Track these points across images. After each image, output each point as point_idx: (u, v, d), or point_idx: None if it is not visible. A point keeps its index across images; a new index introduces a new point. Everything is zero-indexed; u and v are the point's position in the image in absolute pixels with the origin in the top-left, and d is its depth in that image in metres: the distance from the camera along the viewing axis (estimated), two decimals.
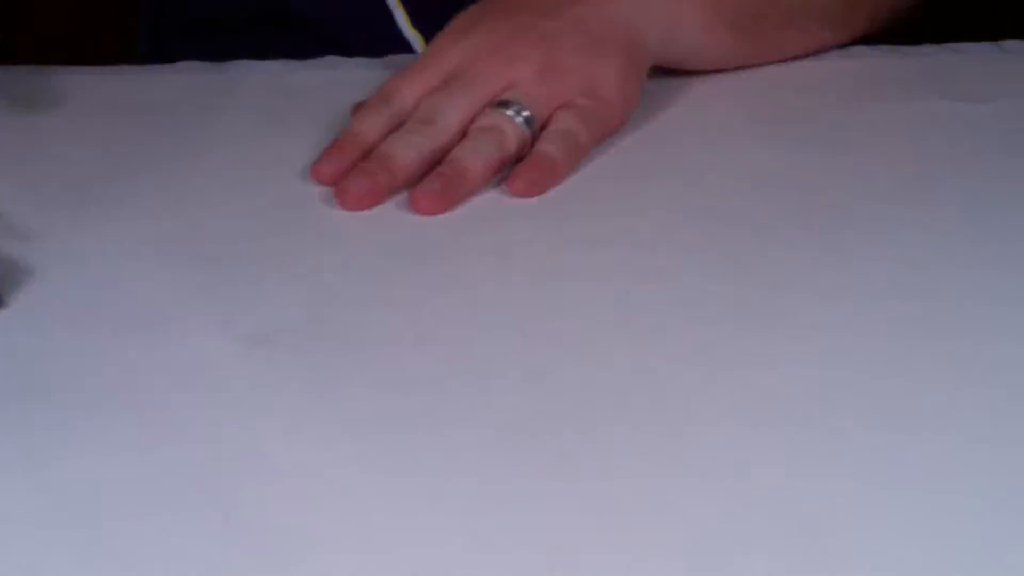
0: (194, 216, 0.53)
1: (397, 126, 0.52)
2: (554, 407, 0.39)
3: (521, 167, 0.52)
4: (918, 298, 0.45)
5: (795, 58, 0.66)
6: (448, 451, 0.38)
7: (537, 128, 0.53)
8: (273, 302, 0.47)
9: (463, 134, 0.52)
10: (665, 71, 0.62)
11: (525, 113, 0.53)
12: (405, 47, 0.70)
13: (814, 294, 0.46)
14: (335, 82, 0.66)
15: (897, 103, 0.61)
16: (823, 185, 0.54)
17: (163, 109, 0.63)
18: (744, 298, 0.46)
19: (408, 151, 0.51)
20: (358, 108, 0.56)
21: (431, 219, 0.52)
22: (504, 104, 0.53)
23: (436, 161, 0.51)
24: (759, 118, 0.60)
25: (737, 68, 0.64)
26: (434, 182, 0.50)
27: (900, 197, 0.53)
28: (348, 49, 0.68)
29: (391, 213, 0.52)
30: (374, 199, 0.50)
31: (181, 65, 0.68)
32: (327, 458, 0.38)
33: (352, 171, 0.51)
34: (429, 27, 0.67)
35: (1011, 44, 0.65)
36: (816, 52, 0.65)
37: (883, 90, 0.63)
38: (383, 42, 0.69)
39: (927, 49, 0.65)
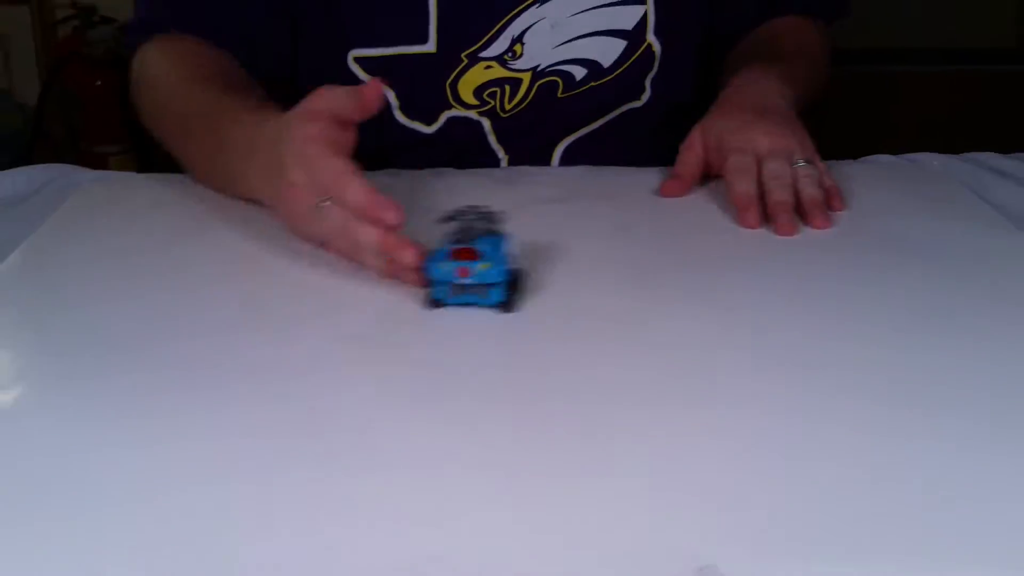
0: (309, 264, 0.60)
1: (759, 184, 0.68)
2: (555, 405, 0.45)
3: (829, 198, 0.69)
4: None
5: None
6: (469, 407, 0.45)
7: None
8: (362, 316, 0.54)
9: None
10: None
11: (805, 162, 0.69)
12: (492, 156, 0.84)
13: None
14: (396, 186, 0.72)
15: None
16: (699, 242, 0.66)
17: None
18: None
19: (789, 197, 0.67)
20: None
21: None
22: (799, 162, 0.69)
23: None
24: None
25: None
26: (815, 210, 0.66)
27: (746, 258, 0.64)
28: (452, 160, 0.81)
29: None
30: (795, 228, 0.65)
31: None
32: (392, 406, 0.45)
33: (776, 216, 0.66)
34: (508, 142, 0.83)
35: None
36: None
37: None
38: (477, 153, 0.83)
39: None
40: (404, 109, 0.81)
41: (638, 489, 0.39)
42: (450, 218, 0.54)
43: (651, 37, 0.81)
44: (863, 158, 0.81)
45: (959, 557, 0.35)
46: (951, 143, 0.83)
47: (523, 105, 0.81)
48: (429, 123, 0.82)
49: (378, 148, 0.80)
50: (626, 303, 0.56)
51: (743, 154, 0.69)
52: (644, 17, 0.80)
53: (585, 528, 0.36)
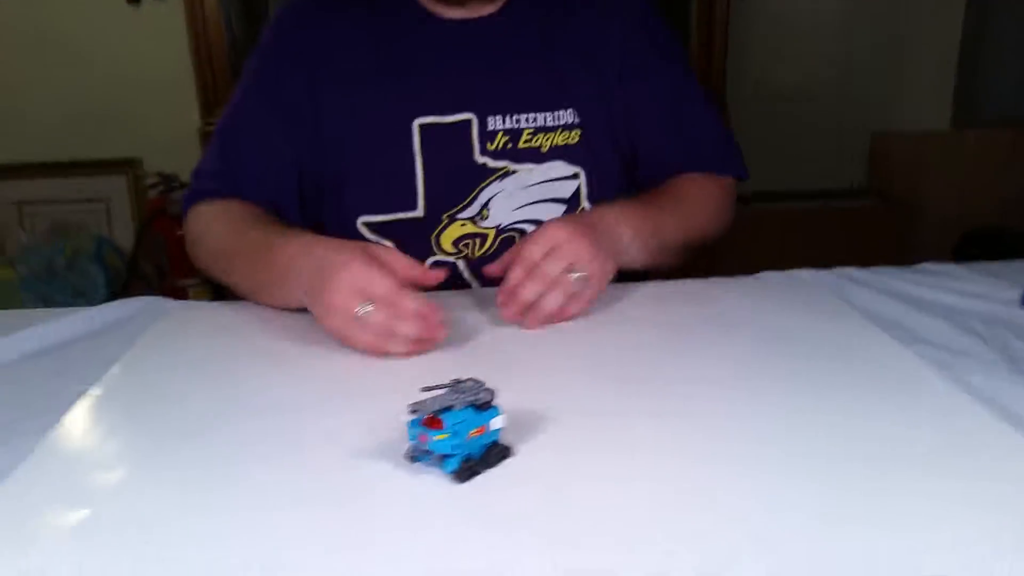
0: (328, 358, 0.64)
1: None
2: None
3: (564, 309, 0.69)
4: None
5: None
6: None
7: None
8: (374, 403, 0.56)
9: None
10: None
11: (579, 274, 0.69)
12: (467, 288, 0.86)
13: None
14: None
15: (686, 307, 0.76)
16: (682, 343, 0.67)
17: None
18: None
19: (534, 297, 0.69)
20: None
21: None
22: (575, 272, 0.69)
23: None
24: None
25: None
26: (531, 314, 0.69)
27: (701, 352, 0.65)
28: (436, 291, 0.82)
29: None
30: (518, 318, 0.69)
31: None
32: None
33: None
34: (478, 278, 0.86)
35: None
36: (667, 266, 0.83)
37: (678, 300, 0.77)
38: (455, 287, 0.85)
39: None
40: None
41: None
42: (445, 386, 0.48)
43: (585, 203, 0.88)
44: (757, 274, 0.85)
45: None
46: (820, 260, 0.85)
47: (489, 252, 0.87)
48: None
49: None
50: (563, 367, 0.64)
51: (535, 244, 0.69)
52: (578, 189, 0.87)
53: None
